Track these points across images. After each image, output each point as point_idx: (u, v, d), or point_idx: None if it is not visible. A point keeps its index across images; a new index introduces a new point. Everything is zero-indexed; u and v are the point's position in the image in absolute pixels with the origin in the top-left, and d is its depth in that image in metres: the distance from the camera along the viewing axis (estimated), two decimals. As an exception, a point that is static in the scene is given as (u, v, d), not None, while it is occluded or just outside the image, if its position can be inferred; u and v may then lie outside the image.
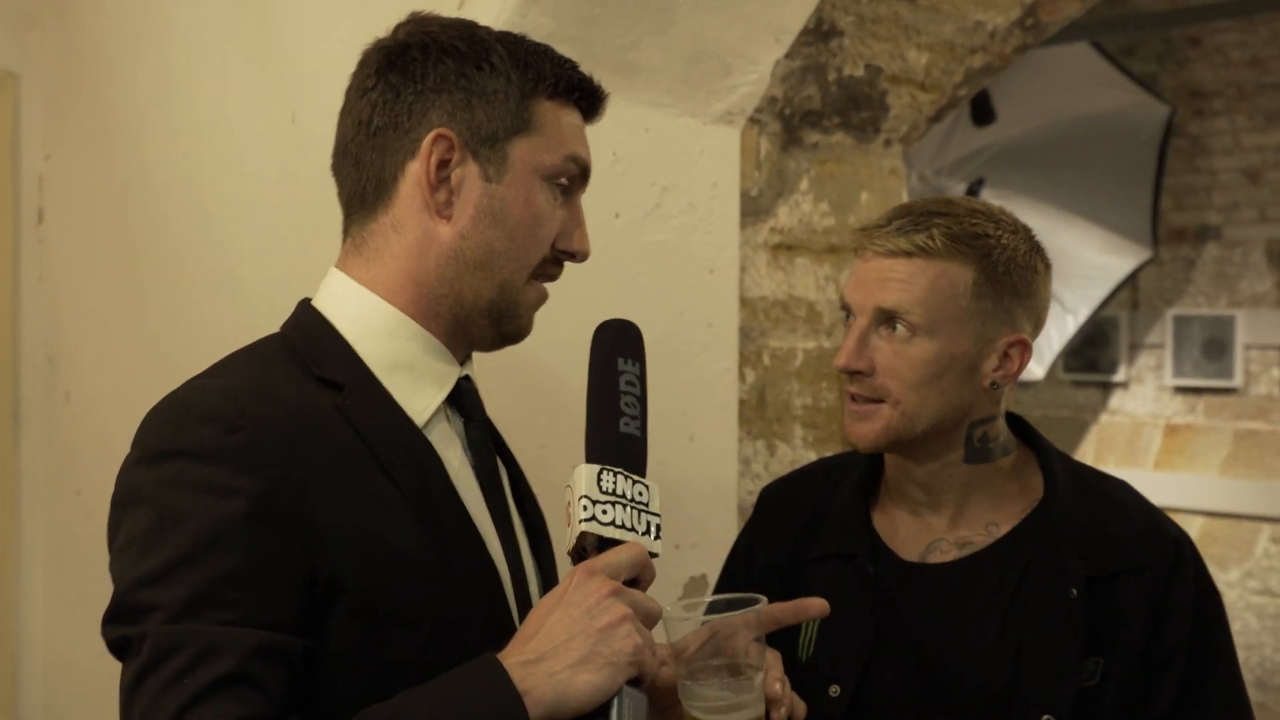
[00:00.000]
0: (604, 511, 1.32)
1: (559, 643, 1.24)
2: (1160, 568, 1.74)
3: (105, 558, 3.20)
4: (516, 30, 1.54)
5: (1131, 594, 1.72)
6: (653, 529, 1.35)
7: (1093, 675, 1.70)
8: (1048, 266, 1.81)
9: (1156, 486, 6.41)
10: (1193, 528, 6.28)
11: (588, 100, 1.50)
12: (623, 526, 1.33)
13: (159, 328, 3.02)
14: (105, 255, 3.20)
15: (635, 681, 1.27)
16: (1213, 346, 6.33)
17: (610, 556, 1.31)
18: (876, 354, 1.74)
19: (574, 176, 1.48)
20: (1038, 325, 1.80)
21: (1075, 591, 1.71)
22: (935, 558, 1.81)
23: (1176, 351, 6.46)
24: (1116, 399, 6.66)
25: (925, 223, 1.73)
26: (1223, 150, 6.30)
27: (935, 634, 1.77)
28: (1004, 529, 1.79)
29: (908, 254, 1.72)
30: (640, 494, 1.35)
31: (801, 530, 1.88)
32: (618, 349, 1.43)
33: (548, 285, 1.51)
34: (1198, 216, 6.46)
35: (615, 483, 1.34)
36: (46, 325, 3.35)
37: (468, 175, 1.42)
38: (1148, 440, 6.55)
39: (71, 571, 3.31)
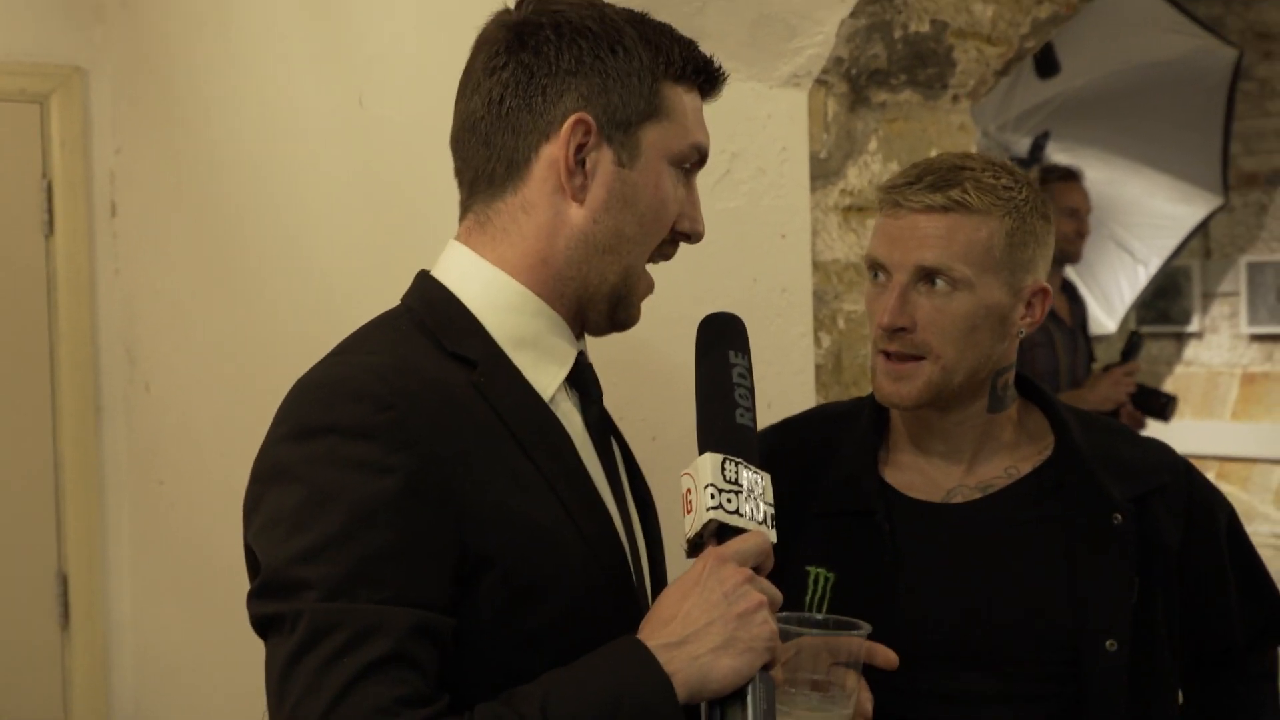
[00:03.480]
0: (729, 500, 1.34)
1: (699, 627, 1.27)
2: (1179, 485, 1.84)
3: (189, 545, 3.24)
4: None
5: (1162, 513, 1.80)
6: (769, 519, 1.37)
7: (1132, 594, 1.77)
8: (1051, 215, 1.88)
9: (1235, 437, 6.32)
10: (1274, 478, 6.20)
11: (709, 82, 1.50)
12: (745, 515, 1.34)
13: (236, 316, 3.05)
14: (179, 246, 3.22)
15: (766, 666, 1.29)
16: (1288, 292, 6.24)
17: (739, 544, 1.33)
18: (917, 311, 1.76)
19: (695, 161, 1.49)
20: (1047, 273, 1.86)
21: (1120, 517, 1.77)
22: (958, 500, 1.83)
23: (1251, 299, 6.36)
24: (1191, 350, 6.56)
25: (955, 177, 1.76)
26: (1293, 92, 6.19)
27: (967, 574, 1.79)
28: (1024, 470, 1.84)
29: (945, 209, 1.75)
30: (756, 484, 1.37)
31: (799, 482, 1.84)
32: (728, 342, 1.46)
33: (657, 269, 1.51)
34: (1269, 161, 6.35)
35: (737, 472, 1.35)
36: (124, 317, 3.38)
37: (602, 160, 1.41)
38: (1225, 390, 6.46)
39: (157, 559, 3.35)
